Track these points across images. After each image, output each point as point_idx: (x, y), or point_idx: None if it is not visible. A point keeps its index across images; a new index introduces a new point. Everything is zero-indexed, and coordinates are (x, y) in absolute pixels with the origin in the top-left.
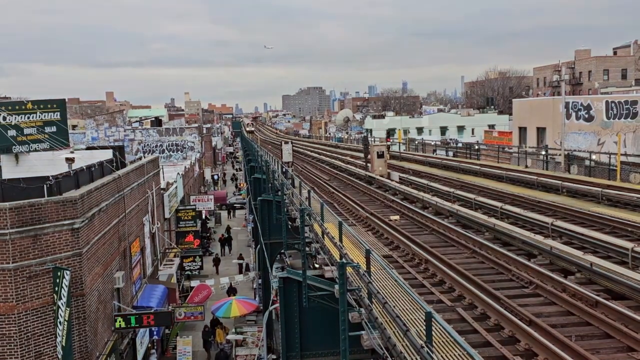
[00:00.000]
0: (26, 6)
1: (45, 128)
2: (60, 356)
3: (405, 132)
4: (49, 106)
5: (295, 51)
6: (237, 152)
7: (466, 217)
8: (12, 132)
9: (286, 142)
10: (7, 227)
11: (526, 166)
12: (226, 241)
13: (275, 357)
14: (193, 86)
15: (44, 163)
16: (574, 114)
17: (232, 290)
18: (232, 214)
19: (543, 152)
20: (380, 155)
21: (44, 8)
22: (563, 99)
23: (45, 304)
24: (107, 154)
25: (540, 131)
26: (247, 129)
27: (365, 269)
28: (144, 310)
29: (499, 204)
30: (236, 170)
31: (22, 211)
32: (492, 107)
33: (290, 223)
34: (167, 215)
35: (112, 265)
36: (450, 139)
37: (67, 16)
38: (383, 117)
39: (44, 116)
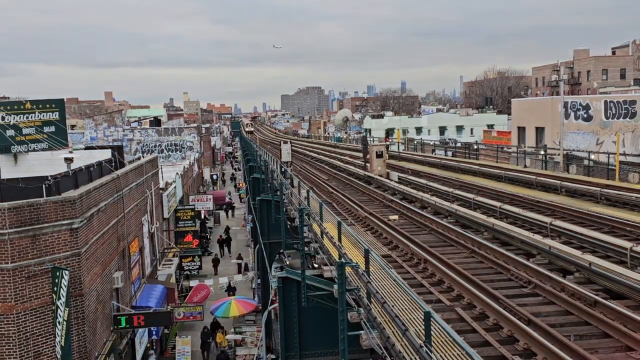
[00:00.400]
0: (26, 6)
1: (44, 128)
2: (59, 356)
3: (404, 131)
4: (47, 106)
5: (295, 51)
6: (236, 152)
7: (465, 216)
8: (10, 132)
9: (285, 142)
10: (6, 227)
11: (525, 166)
12: (225, 242)
13: (274, 357)
14: (192, 86)
15: (43, 163)
16: (572, 114)
17: (231, 289)
18: (231, 213)
19: (542, 152)
20: (379, 155)
21: (44, 8)
22: (562, 98)
23: (44, 304)
24: (106, 154)
25: (539, 131)
26: (247, 129)
27: (364, 269)
28: (142, 310)
29: (497, 204)
30: (235, 170)
31: (21, 211)
32: (491, 107)
33: (289, 223)
34: (166, 215)
35: (111, 265)
36: (449, 139)
37: (67, 16)
38: (382, 117)
39: (43, 116)
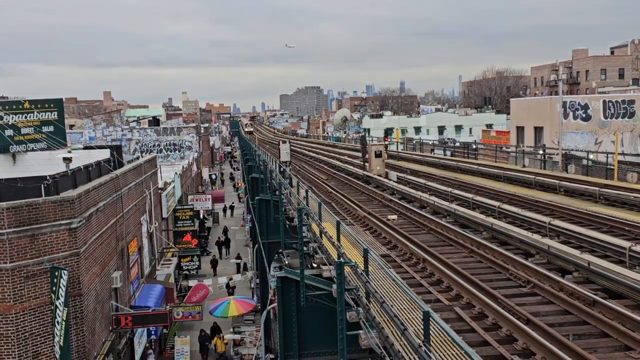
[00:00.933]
0: (26, 6)
1: (43, 128)
2: (58, 356)
3: (403, 131)
4: (46, 106)
5: (295, 51)
6: (235, 152)
7: (464, 216)
8: (9, 132)
9: (284, 142)
10: (5, 227)
11: (524, 165)
12: (224, 243)
13: (273, 356)
14: (191, 86)
15: (42, 163)
16: (571, 114)
17: (230, 289)
18: (230, 212)
19: (541, 152)
20: (378, 155)
21: (44, 8)
22: (560, 98)
23: (42, 304)
24: (105, 154)
25: (538, 130)
26: (246, 129)
27: (363, 269)
28: (141, 310)
29: (496, 204)
30: (234, 169)
31: (20, 211)
32: (490, 106)
33: (288, 222)
34: (164, 215)
35: (109, 265)
36: (448, 139)
37: (67, 16)
38: (381, 116)
39: (42, 116)
